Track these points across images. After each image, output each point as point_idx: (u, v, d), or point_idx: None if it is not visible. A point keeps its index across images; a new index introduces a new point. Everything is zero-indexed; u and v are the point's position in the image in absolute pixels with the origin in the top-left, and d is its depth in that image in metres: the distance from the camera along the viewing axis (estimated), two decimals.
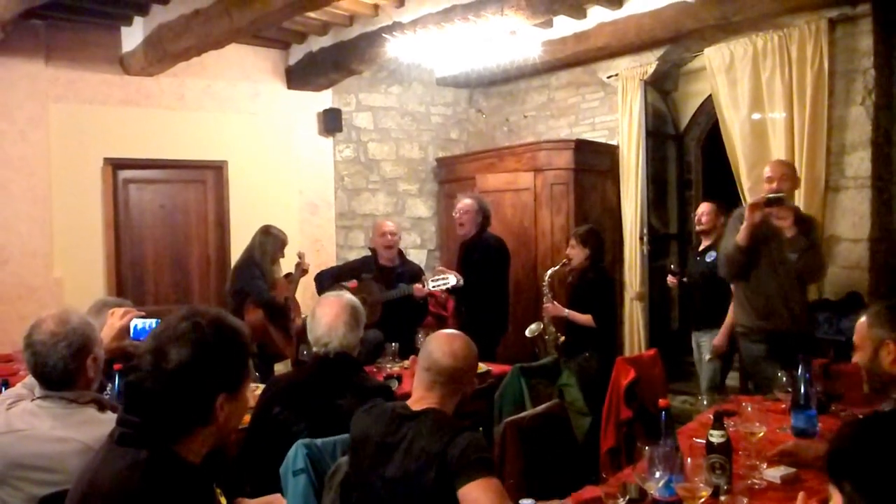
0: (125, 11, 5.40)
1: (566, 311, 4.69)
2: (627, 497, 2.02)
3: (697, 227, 4.91)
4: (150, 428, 1.49)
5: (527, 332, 4.89)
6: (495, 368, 4.27)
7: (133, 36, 5.58)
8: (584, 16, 5.61)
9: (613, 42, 5.66)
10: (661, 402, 2.18)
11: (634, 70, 5.97)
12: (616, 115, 6.19)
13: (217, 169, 6.29)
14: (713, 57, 5.42)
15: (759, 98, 5.18)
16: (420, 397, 2.20)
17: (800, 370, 2.72)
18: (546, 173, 6.04)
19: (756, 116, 5.23)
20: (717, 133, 5.60)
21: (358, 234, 6.99)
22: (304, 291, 5.48)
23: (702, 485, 1.97)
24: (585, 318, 4.60)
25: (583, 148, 6.05)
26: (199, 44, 5.03)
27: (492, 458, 2.10)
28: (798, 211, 3.93)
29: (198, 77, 6.12)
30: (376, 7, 5.44)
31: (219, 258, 6.26)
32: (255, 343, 4.92)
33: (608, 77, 6.26)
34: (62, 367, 2.09)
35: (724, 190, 5.66)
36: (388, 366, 4.29)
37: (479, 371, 3.33)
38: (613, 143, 6.23)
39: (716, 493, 2.07)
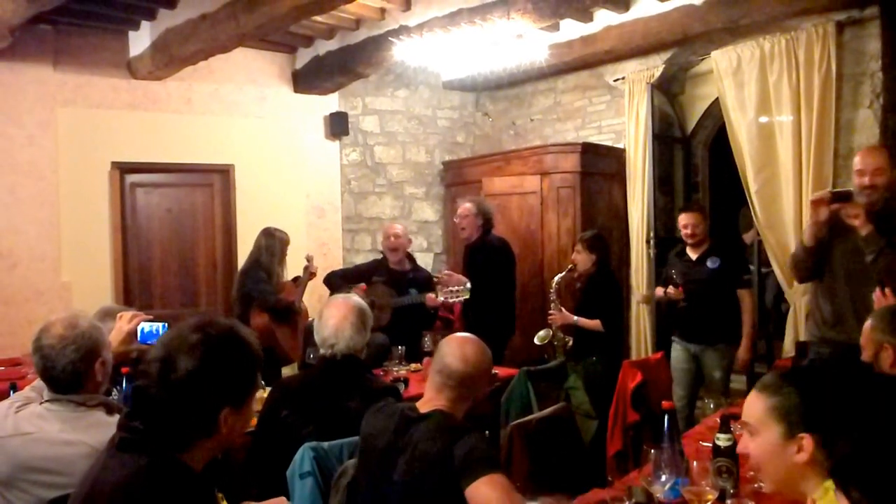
0: (133, 16, 5.42)
1: (575, 318, 4.68)
2: (633, 500, 2.02)
3: (690, 241, 4.53)
4: (151, 435, 1.49)
5: (536, 340, 4.88)
6: (502, 371, 4.27)
7: (140, 40, 5.61)
8: (591, 19, 5.61)
9: (620, 45, 5.65)
10: (665, 404, 2.17)
11: (641, 73, 5.96)
12: (623, 119, 6.18)
13: (224, 173, 6.30)
14: (720, 60, 5.41)
15: (767, 101, 5.17)
16: (429, 399, 2.20)
17: None
18: (552, 177, 6.04)
19: (763, 119, 5.22)
20: (724, 136, 5.58)
21: (364, 238, 7.00)
22: (311, 294, 5.49)
23: (708, 488, 1.96)
24: (594, 324, 4.60)
25: (589, 151, 6.05)
26: (206, 48, 5.05)
27: (497, 457, 2.10)
28: (877, 205, 3.43)
29: (205, 81, 6.14)
30: (383, 11, 5.45)
31: (226, 262, 6.28)
32: (262, 347, 4.93)
33: (615, 80, 6.26)
34: (70, 370, 2.10)
35: (731, 193, 5.64)
36: (395, 369, 4.29)
37: None
38: (620, 146, 6.22)
39: (722, 496, 2.07)
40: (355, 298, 2.98)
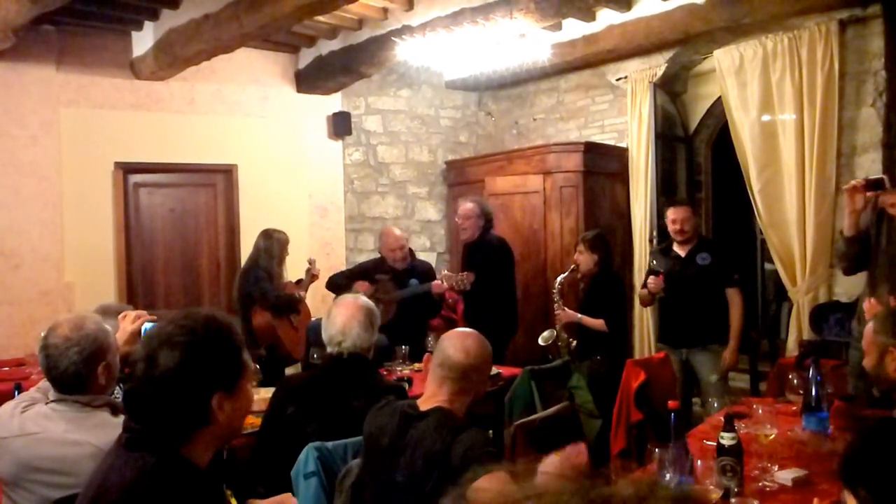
0: (136, 16, 5.43)
1: (579, 316, 4.68)
2: None
3: (679, 237, 4.40)
4: (153, 433, 1.50)
5: (540, 341, 4.88)
6: (505, 371, 4.27)
7: (143, 41, 5.61)
8: (594, 18, 5.61)
9: (622, 44, 5.65)
10: (671, 403, 2.17)
11: (644, 72, 5.96)
12: (625, 118, 6.18)
13: (227, 173, 6.31)
14: (723, 59, 5.40)
15: (769, 100, 5.16)
16: (431, 394, 2.20)
17: (811, 372, 2.71)
18: (555, 176, 6.04)
19: (766, 118, 5.21)
20: (727, 135, 5.58)
21: (367, 238, 7.01)
22: (314, 295, 5.50)
23: (712, 487, 1.96)
24: (598, 323, 4.60)
25: (592, 150, 6.05)
26: (209, 48, 5.05)
27: (497, 452, 2.09)
28: None
29: (208, 81, 6.15)
30: (385, 10, 5.45)
31: (229, 262, 6.28)
32: (265, 346, 4.95)
33: (617, 79, 6.26)
34: (73, 371, 2.10)
35: (733, 191, 5.64)
36: (399, 368, 4.30)
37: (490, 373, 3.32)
38: (623, 145, 6.22)
39: (726, 495, 2.07)
40: (363, 298, 3.00)
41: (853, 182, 3.51)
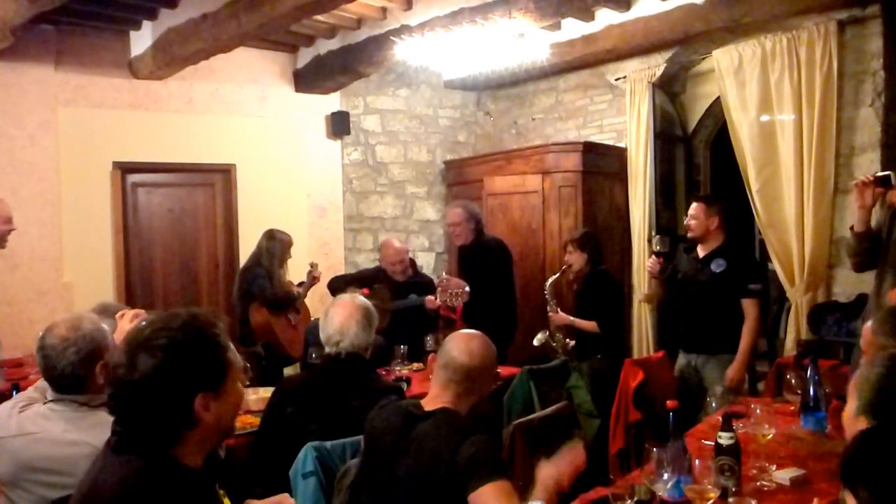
0: (134, 16, 5.43)
1: (570, 319, 4.69)
2: (636, 498, 2.02)
3: (689, 234, 4.17)
4: (140, 435, 1.49)
5: (534, 342, 4.88)
6: (504, 371, 4.26)
7: (142, 40, 5.61)
8: (592, 18, 5.61)
9: (621, 44, 5.65)
10: (669, 403, 2.17)
11: (642, 72, 5.96)
12: (624, 118, 6.19)
13: (225, 172, 6.31)
14: (721, 59, 5.41)
15: (768, 100, 5.17)
16: (435, 395, 2.20)
17: (809, 372, 2.71)
18: (554, 176, 6.04)
19: (764, 118, 5.22)
20: (726, 135, 5.58)
21: (366, 237, 7.01)
22: (313, 294, 5.49)
23: (710, 486, 1.96)
24: (590, 325, 4.61)
25: (591, 150, 6.05)
26: (208, 47, 5.05)
27: (503, 461, 2.10)
28: None
29: (206, 81, 6.14)
30: (384, 10, 5.45)
31: (227, 261, 6.28)
32: (262, 344, 4.96)
33: (616, 79, 6.26)
34: (70, 371, 2.10)
35: (732, 191, 5.64)
36: (398, 368, 4.30)
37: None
38: (621, 145, 6.22)
39: (724, 494, 2.07)
40: (361, 298, 3.00)
41: (862, 178, 3.49)
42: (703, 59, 5.89)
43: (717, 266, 4.04)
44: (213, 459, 1.62)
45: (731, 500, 2.06)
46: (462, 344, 2.23)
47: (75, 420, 2.08)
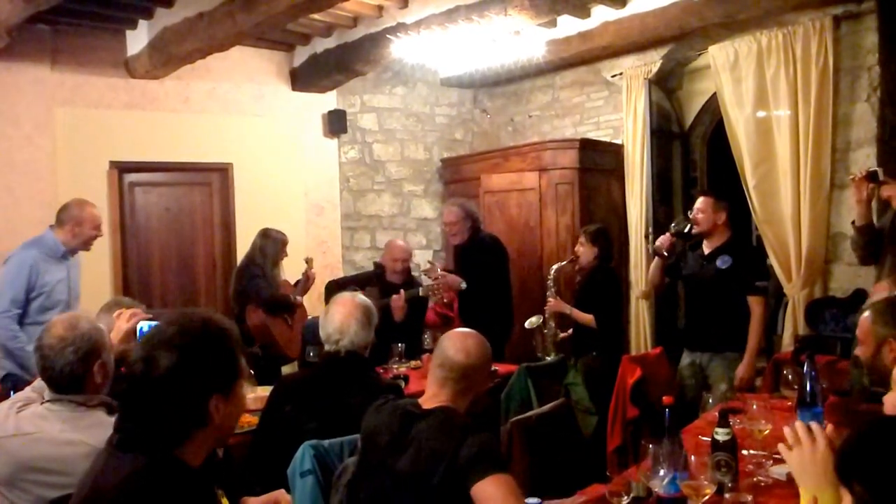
0: (130, 15, 5.42)
1: (568, 308, 4.68)
2: (632, 495, 2.03)
3: (695, 229, 4.18)
4: (146, 433, 1.50)
5: (526, 324, 4.88)
6: (502, 368, 4.27)
7: (138, 39, 5.60)
8: (588, 15, 5.60)
9: (618, 41, 5.65)
10: (665, 399, 2.18)
11: (639, 69, 5.96)
12: (620, 114, 6.19)
13: (222, 171, 6.30)
14: (717, 55, 5.41)
15: (764, 96, 5.17)
16: (433, 394, 2.21)
17: (805, 367, 2.72)
18: (551, 173, 6.04)
19: (761, 114, 5.22)
20: (722, 131, 5.58)
21: (364, 236, 7.01)
22: (311, 293, 5.48)
23: (706, 482, 1.97)
24: (588, 318, 4.60)
25: (587, 147, 6.05)
26: (204, 47, 5.05)
27: (504, 456, 2.11)
28: None
29: (202, 80, 6.14)
30: (380, 8, 5.45)
31: (224, 260, 6.27)
32: (259, 344, 4.95)
33: (612, 76, 6.26)
34: (68, 371, 2.11)
35: (728, 187, 5.64)
36: (395, 366, 4.30)
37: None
38: (618, 141, 6.23)
39: (720, 490, 2.08)
40: (360, 297, 3.02)
41: (857, 173, 3.61)
42: (699, 55, 5.89)
43: (722, 262, 4.03)
44: (211, 459, 1.63)
45: (727, 495, 2.07)
46: (458, 343, 2.23)
47: (73, 420, 2.08)
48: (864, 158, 4.83)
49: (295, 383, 2.98)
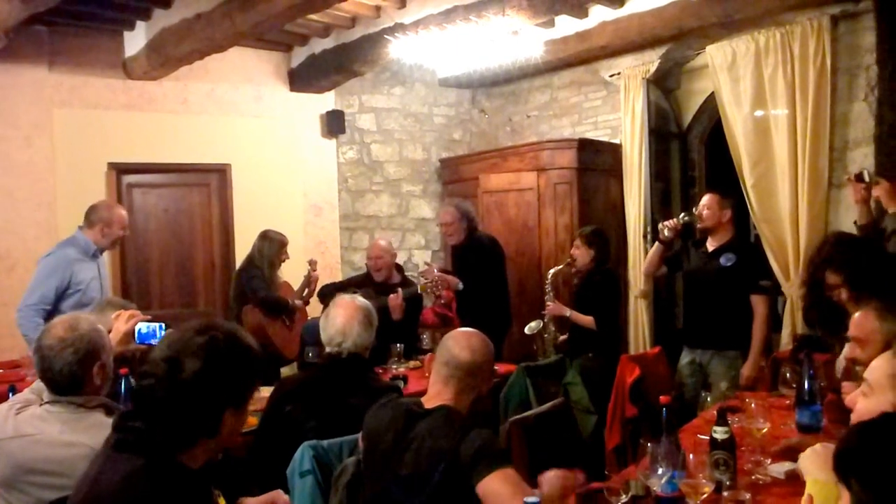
0: (128, 16, 5.42)
1: (568, 311, 4.69)
2: (631, 494, 2.03)
3: (699, 224, 4.23)
4: (152, 435, 1.51)
5: (526, 330, 4.88)
6: (501, 368, 4.26)
7: (136, 40, 5.60)
8: (586, 15, 5.61)
9: (615, 41, 5.65)
10: (662, 398, 2.19)
11: (637, 69, 5.96)
12: (619, 114, 6.19)
13: (221, 172, 6.30)
14: (715, 55, 5.41)
15: (762, 95, 5.18)
16: (436, 393, 2.22)
17: (804, 366, 2.72)
18: (549, 173, 6.04)
19: (759, 113, 5.23)
20: (720, 130, 5.59)
21: (362, 236, 7.00)
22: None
23: (704, 481, 1.97)
24: (587, 320, 4.59)
25: (586, 147, 6.05)
26: (202, 47, 5.05)
27: (507, 451, 2.12)
28: None
29: (200, 81, 6.14)
30: (378, 8, 5.45)
31: (223, 262, 6.28)
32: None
33: (610, 76, 6.26)
34: (68, 372, 2.11)
35: (727, 187, 5.64)
36: (395, 367, 4.30)
37: None
38: (616, 141, 6.23)
39: (719, 488, 2.08)
40: (360, 299, 3.04)
41: (850, 175, 3.73)
42: (697, 54, 5.89)
43: (726, 260, 4.04)
44: (209, 461, 1.64)
45: (725, 493, 2.07)
46: (462, 341, 2.26)
47: (72, 421, 2.08)
48: (862, 158, 4.83)
49: (295, 384, 2.99)
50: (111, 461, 1.52)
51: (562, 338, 4.81)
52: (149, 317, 2.78)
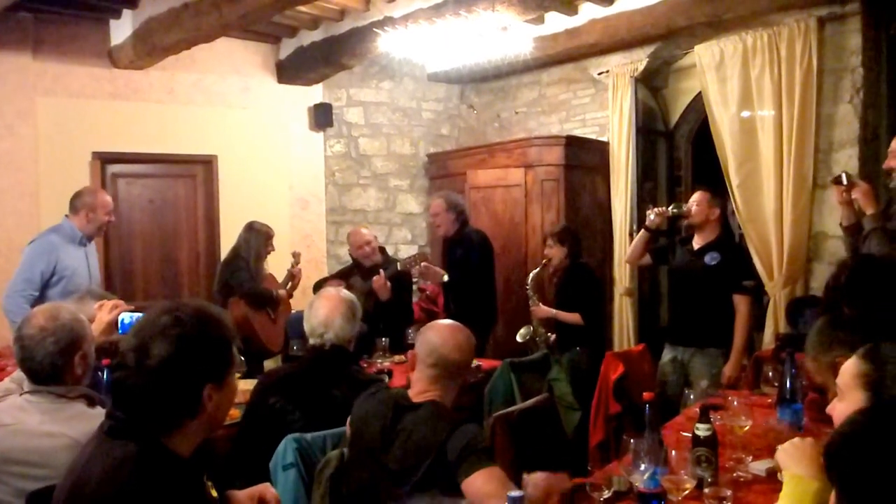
0: (114, 4, 5.36)
1: (553, 312, 4.71)
2: (613, 489, 2.04)
3: (687, 220, 4.27)
4: (137, 422, 1.50)
5: (518, 338, 4.90)
6: (485, 363, 4.28)
7: (122, 29, 5.55)
8: (576, 12, 5.61)
9: (604, 39, 5.67)
10: (646, 395, 2.20)
11: (625, 67, 5.98)
12: (607, 112, 6.20)
13: (207, 164, 6.26)
14: (703, 54, 5.44)
15: (749, 95, 5.20)
16: (423, 389, 2.22)
17: (786, 365, 2.74)
18: (537, 169, 6.05)
19: (745, 114, 5.25)
20: (707, 130, 5.61)
21: (348, 230, 6.96)
22: (297, 290, 5.47)
23: (687, 477, 1.99)
24: (573, 317, 4.62)
25: (573, 144, 6.07)
26: (189, 37, 5.01)
27: (492, 449, 2.12)
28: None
29: (187, 71, 6.09)
30: (367, 1, 5.42)
31: (208, 253, 6.25)
32: (240, 337, 4.92)
33: (599, 74, 6.28)
34: (49, 362, 2.09)
35: (713, 186, 5.67)
36: (379, 361, 4.29)
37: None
38: (604, 139, 6.24)
39: (700, 485, 2.09)
40: (345, 291, 3.06)
41: (832, 177, 3.68)
42: (686, 54, 5.91)
43: (711, 259, 4.08)
44: (201, 449, 1.63)
45: (707, 490, 2.08)
46: (450, 339, 2.26)
47: (52, 411, 2.06)
48: (846, 159, 4.87)
49: (279, 376, 2.98)
50: (101, 448, 1.51)
51: (553, 337, 4.82)
52: (132, 307, 2.76)
